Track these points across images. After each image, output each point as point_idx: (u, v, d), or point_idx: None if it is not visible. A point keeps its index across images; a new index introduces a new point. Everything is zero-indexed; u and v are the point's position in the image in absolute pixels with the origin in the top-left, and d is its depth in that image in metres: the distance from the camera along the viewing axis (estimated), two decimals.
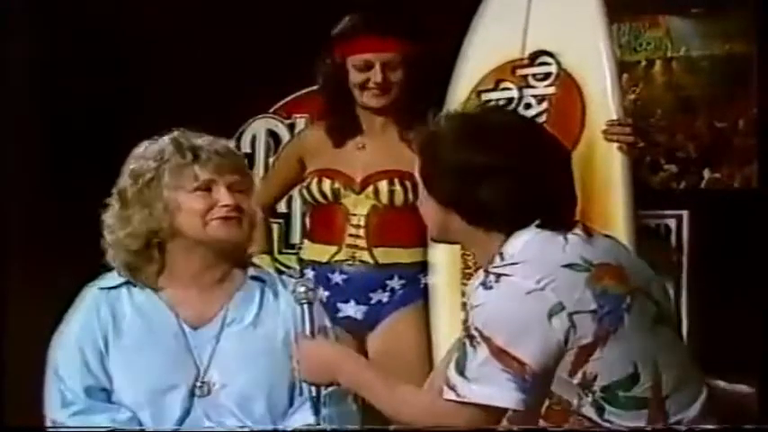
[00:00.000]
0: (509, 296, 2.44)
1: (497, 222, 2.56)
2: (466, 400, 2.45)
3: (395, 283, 3.72)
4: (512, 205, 2.53)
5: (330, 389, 2.81)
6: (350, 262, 3.71)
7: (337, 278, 3.71)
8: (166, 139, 2.92)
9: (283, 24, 4.27)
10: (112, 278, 2.96)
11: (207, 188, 2.88)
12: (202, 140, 2.93)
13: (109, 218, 2.93)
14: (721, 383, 2.89)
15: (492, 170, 2.53)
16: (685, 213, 4.06)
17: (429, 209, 2.66)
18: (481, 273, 2.51)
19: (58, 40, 4.26)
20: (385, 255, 3.70)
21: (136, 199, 2.88)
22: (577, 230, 2.55)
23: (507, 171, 2.52)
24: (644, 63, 4.26)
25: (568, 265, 2.46)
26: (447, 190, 2.60)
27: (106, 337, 2.89)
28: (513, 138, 2.58)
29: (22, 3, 3.99)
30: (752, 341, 3.07)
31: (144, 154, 2.92)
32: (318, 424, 2.78)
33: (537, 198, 2.54)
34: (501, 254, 2.53)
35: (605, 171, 3.41)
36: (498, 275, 2.46)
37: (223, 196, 2.88)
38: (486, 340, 2.43)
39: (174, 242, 2.90)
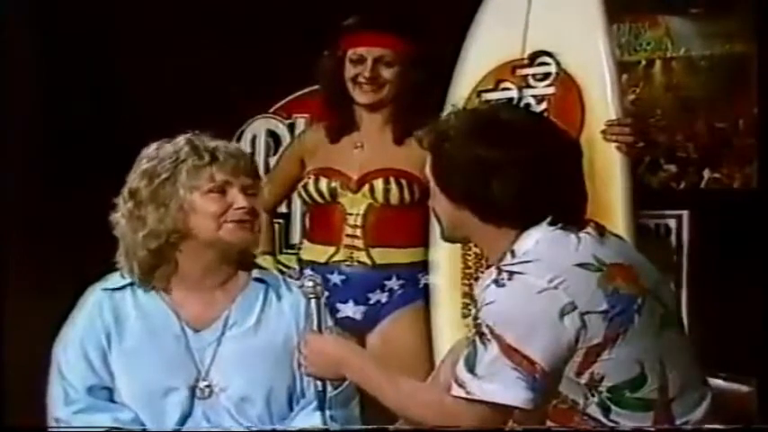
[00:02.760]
0: (521, 294, 2.44)
1: (509, 218, 2.56)
2: (475, 397, 2.45)
3: (393, 283, 3.71)
4: (524, 201, 2.53)
5: (335, 392, 2.82)
6: (348, 262, 3.71)
7: (336, 279, 3.71)
8: (181, 140, 2.92)
9: (283, 24, 4.27)
10: (116, 280, 2.97)
11: (221, 190, 2.88)
12: (217, 143, 2.93)
13: (121, 218, 2.92)
14: (721, 383, 2.89)
15: (504, 165, 2.53)
16: (685, 213, 4.05)
17: (440, 206, 2.66)
18: (493, 270, 2.51)
19: (58, 40, 4.25)
20: (382, 255, 3.70)
21: (150, 198, 2.88)
22: (589, 229, 2.56)
23: (519, 166, 2.53)
24: (644, 63, 4.25)
25: (581, 265, 2.47)
26: (459, 186, 2.60)
27: (109, 336, 2.90)
28: (524, 133, 2.58)
29: (23, 3, 3.98)
30: (752, 341, 3.07)
31: (158, 154, 2.91)
32: (323, 418, 2.79)
33: (548, 194, 2.54)
34: (512, 251, 2.53)
35: (605, 171, 3.42)
36: (511, 273, 2.47)
37: (238, 199, 2.89)
38: (497, 338, 2.43)
39: (183, 243, 2.90)
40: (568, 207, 2.57)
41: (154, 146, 2.95)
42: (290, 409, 2.94)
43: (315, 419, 2.84)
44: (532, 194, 2.53)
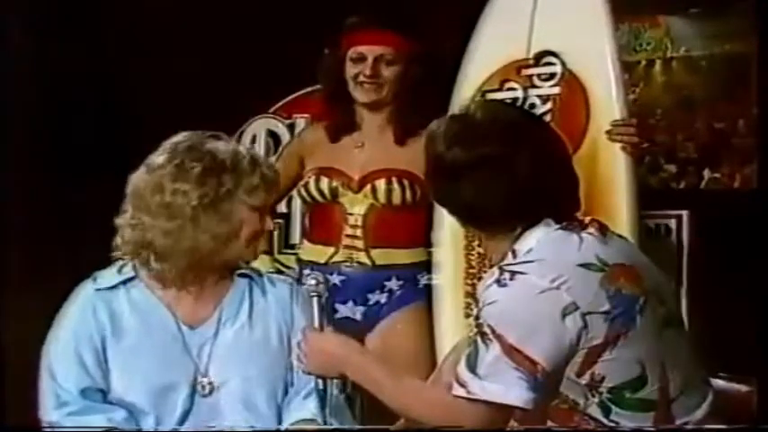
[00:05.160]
0: (523, 294, 2.44)
1: (482, 223, 2.59)
2: (476, 397, 2.45)
3: (393, 284, 3.70)
4: (490, 203, 2.55)
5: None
6: (347, 263, 3.70)
7: (335, 279, 3.69)
8: (241, 149, 2.91)
9: (283, 24, 4.27)
10: (109, 278, 2.94)
11: (262, 211, 2.89)
12: (259, 157, 2.95)
13: (161, 217, 2.84)
14: (721, 383, 2.89)
15: (467, 166, 2.54)
16: (685, 213, 4.05)
17: None
18: (495, 270, 2.51)
19: (59, 40, 4.25)
20: (382, 256, 3.69)
21: (209, 206, 2.82)
22: (592, 229, 2.56)
23: (483, 167, 2.54)
24: (644, 63, 4.27)
25: (583, 265, 2.47)
26: (433, 189, 2.67)
27: (104, 338, 2.87)
28: (487, 133, 2.58)
29: (24, 4, 3.99)
30: (752, 341, 3.06)
31: (213, 155, 2.85)
32: (323, 418, 2.79)
33: (515, 196, 2.54)
34: (514, 251, 2.54)
35: (609, 171, 3.41)
36: (513, 273, 2.47)
37: (268, 223, 2.91)
38: (499, 338, 2.43)
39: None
40: (548, 208, 2.57)
41: (193, 142, 2.88)
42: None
43: (308, 406, 2.84)
44: (498, 196, 2.54)
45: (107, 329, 2.88)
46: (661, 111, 4.24)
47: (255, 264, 3.11)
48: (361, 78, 3.65)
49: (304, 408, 2.87)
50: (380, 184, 3.66)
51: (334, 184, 3.69)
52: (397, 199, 3.65)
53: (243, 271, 2.99)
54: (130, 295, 2.92)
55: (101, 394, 2.86)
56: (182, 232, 2.82)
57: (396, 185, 3.65)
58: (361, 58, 3.65)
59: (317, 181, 3.71)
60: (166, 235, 2.83)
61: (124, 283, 2.92)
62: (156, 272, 2.89)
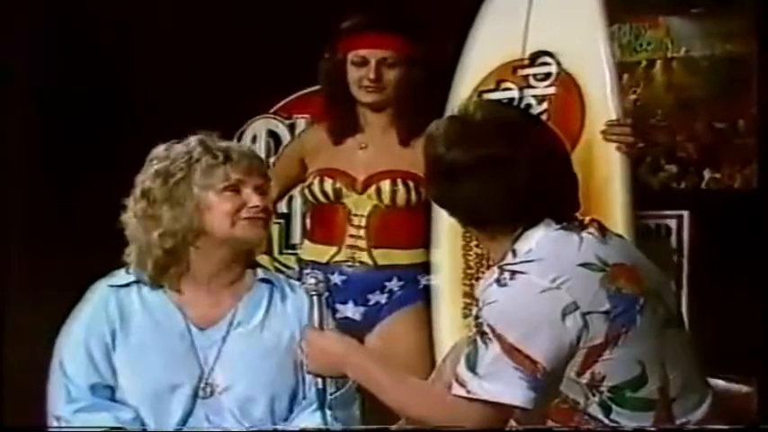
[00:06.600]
0: (523, 294, 2.44)
1: (482, 224, 2.59)
2: (476, 396, 2.45)
3: (393, 284, 3.70)
4: (486, 203, 2.55)
5: (337, 393, 2.82)
6: (349, 263, 3.70)
7: (336, 279, 3.69)
8: (193, 140, 2.95)
9: (283, 24, 4.27)
10: (122, 277, 2.97)
11: (235, 189, 2.91)
12: (229, 143, 2.98)
13: (133, 218, 2.93)
14: (721, 383, 2.89)
15: (468, 169, 2.55)
16: (685, 213, 4.06)
17: None
18: (495, 269, 2.51)
19: (59, 39, 4.25)
20: (384, 256, 3.69)
21: (165, 198, 2.89)
22: (592, 229, 2.56)
23: (483, 169, 2.54)
24: (644, 63, 4.26)
25: (584, 265, 2.47)
26: (432, 192, 2.67)
27: (114, 333, 2.90)
28: (484, 134, 2.58)
29: (24, 5, 3.99)
30: (752, 341, 3.06)
31: (169, 155, 2.93)
32: (324, 417, 2.79)
33: (523, 196, 2.54)
34: (514, 250, 2.54)
35: (605, 171, 3.41)
36: (513, 272, 2.47)
37: (252, 197, 2.91)
38: (499, 337, 2.43)
39: (198, 241, 2.92)
40: (546, 209, 2.56)
41: (163, 147, 2.97)
42: (292, 409, 2.94)
43: (315, 420, 2.84)
44: (498, 196, 2.54)
45: (117, 327, 2.91)
46: (661, 111, 4.24)
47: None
48: (365, 83, 3.65)
49: (310, 420, 2.87)
50: (385, 185, 3.66)
51: (338, 185, 3.69)
52: (401, 200, 3.65)
53: (264, 276, 3.01)
54: (142, 294, 2.95)
55: (109, 391, 2.89)
56: (148, 227, 2.91)
57: (401, 186, 3.65)
58: (363, 62, 3.65)
59: (321, 182, 3.70)
60: (138, 235, 2.93)
61: (138, 281, 2.95)
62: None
